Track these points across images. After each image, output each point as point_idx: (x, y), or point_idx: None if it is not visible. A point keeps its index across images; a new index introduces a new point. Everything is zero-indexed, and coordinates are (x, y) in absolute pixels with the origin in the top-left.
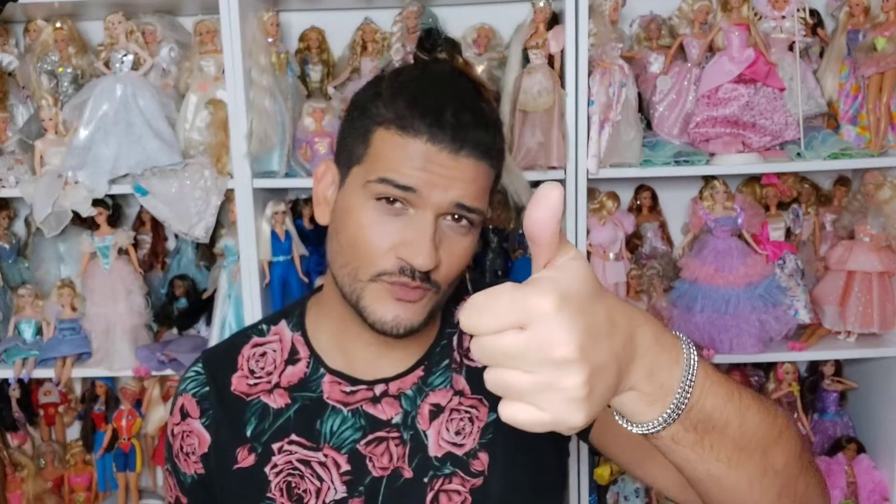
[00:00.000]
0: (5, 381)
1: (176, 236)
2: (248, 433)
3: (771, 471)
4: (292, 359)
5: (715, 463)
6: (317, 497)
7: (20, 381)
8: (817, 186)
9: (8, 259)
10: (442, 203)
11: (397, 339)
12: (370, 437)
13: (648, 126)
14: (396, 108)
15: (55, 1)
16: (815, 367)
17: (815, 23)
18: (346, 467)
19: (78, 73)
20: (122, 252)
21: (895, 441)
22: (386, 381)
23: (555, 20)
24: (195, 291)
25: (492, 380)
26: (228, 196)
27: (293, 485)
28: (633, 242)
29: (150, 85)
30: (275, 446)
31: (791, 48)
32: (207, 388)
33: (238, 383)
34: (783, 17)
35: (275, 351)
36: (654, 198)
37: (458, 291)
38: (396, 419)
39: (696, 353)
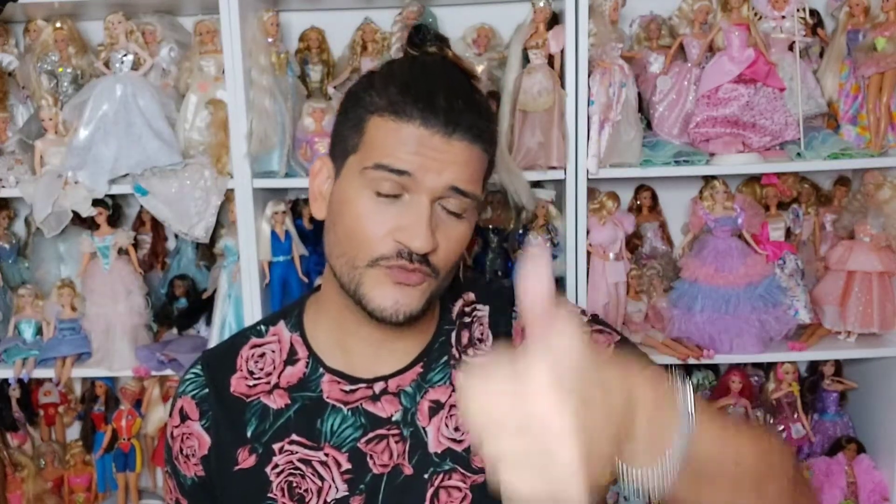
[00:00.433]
0: (5, 381)
1: (176, 236)
2: (249, 434)
3: (767, 500)
4: (291, 359)
5: (711, 501)
6: (318, 496)
7: (20, 381)
8: (817, 186)
9: (8, 259)
10: (436, 187)
11: (397, 326)
12: (370, 434)
13: (648, 126)
14: (389, 95)
15: (55, 1)
16: (815, 367)
17: (815, 23)
18: (346, 466)
19: (78, 73)
20: (122, 252)
21: (895, 441)
22: (385, 378)
23: (555, 20)
24: (195, 291)
25: (490, 452)
26: (228, 196)
27: (294, 484)
28: (633, 242)
29: (150, 85)
30: (275, 446)
31: (791, 48)
32: (207, 390)
33: (237, 384)
34: (783, 17)
35: (273, 351)
36: (654, 198)
37: (455, 287)
38: (396, 416)
39: (693, 408)
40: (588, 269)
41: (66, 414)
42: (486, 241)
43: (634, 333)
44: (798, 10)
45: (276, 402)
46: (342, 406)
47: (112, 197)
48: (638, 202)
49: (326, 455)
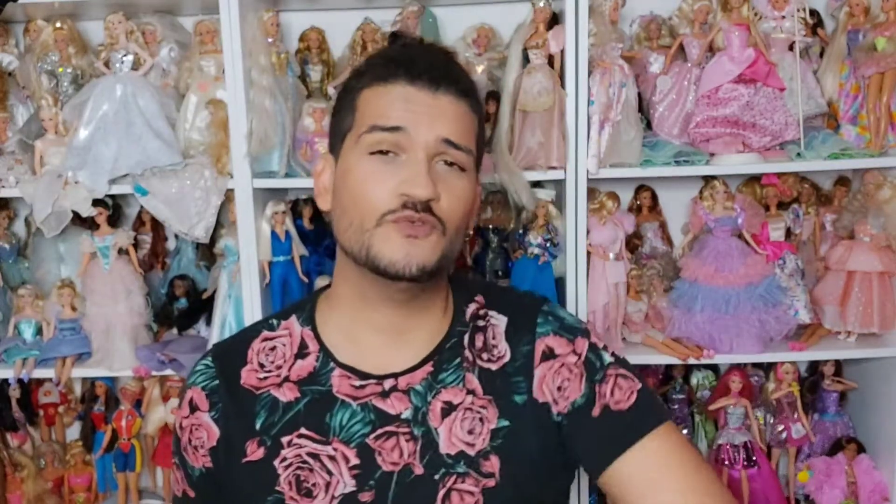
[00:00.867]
0: (5, 381)
1: (176, 236)
2: (258, 426)
3: None
4: (302, 353)
5: None
6: (326, 490)
7: (20, 381)
8: (817, 186)
9: (8, 259)
10: (429, 140)
11: (412, 282)
12: (379, 431)
13: (648, 126)
14: (374, 69)
15: (55, 1)
16: (815, 367)
17: (815, 23)
18: (354, 461)
19: (78, 73)
20: (122, 252)
21: (895, 441)
22: (395, 375)
23: (555, 20)
24: (195, 291)
25: None
26: (228, 196)
27: (302, 478)
28: (633, 242)
29: (150, 85)
30: (284, 440)
31: (791, 48)
32: (217, 382)
33: (248, 377)
34: (783, 17)
35: (284, 345)
36: (654, 198)
37: (469, 289)
38: (406, 414)
39: None
40: (588, 269)
41: (66, 414)
42: (486, 241)
43: (634, 333)
44: (798, 10)
45: (285, 395)
46: (351, 401)
47: (112, 197)
48: (638, 202)
49: (335, 450)
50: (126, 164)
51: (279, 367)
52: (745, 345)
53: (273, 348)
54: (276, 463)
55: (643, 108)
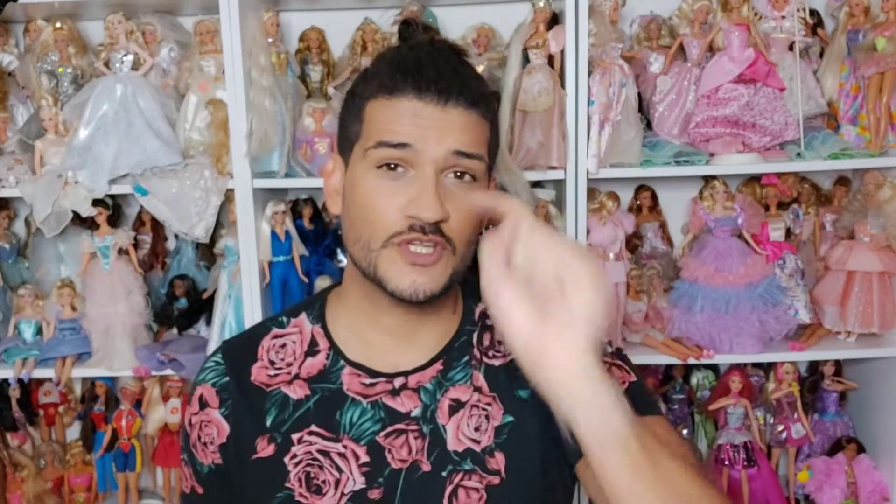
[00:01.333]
0: (5, 381)
1: (176, 236)
2: (268, 423)
3: None
4: (312, 350)
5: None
6: (335, 488)
7: (20, 381)
8: (817, 186)
9: (8, 259)
10: (438, 155)
11: (420, 306)
12: (389, 429)
13: (648, 126)
14: (381, 78)
15: (55, 1)
16: (815, 367)
17: (815, 23)
18: (364, 459)
19: (78, 73)
20: (122, 252)
21: (895, 441)
22: (405, 374)
23: (555, 20)
24: (195, 291)
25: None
26: (228, 196)
27: (312, 475)
28: (633, 242)
29: (150, 85)
30: (294, 437)
31: (791, 48)
32: (227, 379)
33: (258, 374)
34: (783, 17)
35: (294, 342)
36: (654, 198)
37: (479, 288)
38: (416, 412)
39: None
40: None
41: (66, 414)
42: None
43: (634, 333)
44: (798, 10)
45: (296, 392)
46: (361, 399)
47: (112, 197)
48: (638, 202)
49: (345, 447)
50: (126, 164)
51: (289, 365)
52: (745, 345)
53: (283, 345)
54: (286, 460)
55: (643, 108)
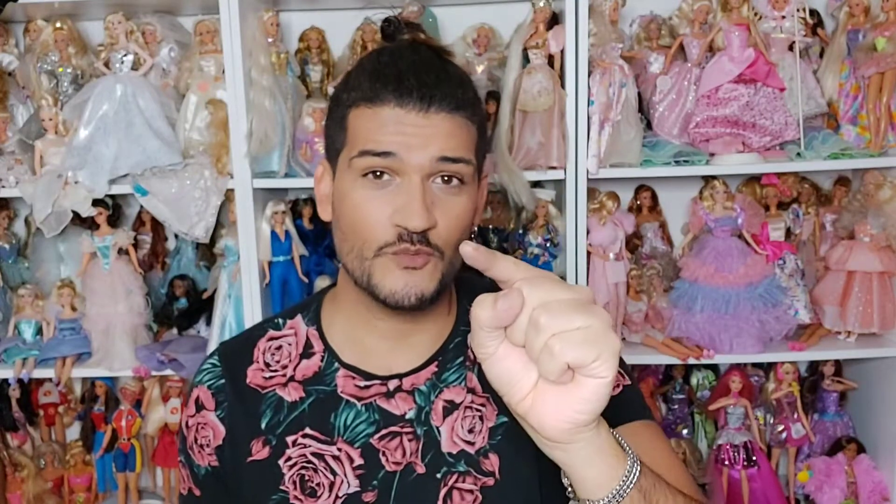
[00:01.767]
0: (5, 381)
1: (176, 236)
2: (263, 425)
3: None
4: (307, 352)
5: None
6: (330, 490)
7: (20, 381)
8: (817, 186)
9: (8, 259)
10: (423, 162)
11: (411, 312)
12: (384, 431)
13: (648, 126)
14: (362, 86)
15: (55, 1)
16: (815, 367)
17: (815, 23)
18: (359, 461)
19: (78, 73)
20: (122, 252)
21: (895, 441)
22: (400, 376)
23: (555, 20)
24: (195, 291)
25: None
26: (228, 196)
27: (307, 478)
28: (633, 242)
29: (150, 85)
30: (289, 439)
31: (791, 48)
32: (223, 381)
33: (254, 376)
34: (783, 17)
35: (290, 344)
36: (654, 198)
37: (474, 289)
38: (410, 414)
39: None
40: (588, 269)
41: (66, 414)
42: (486, 242)
43: (634, 333)
44: (798, 10)
45: (290, 394)
46: (356, 401)
47: (112, 197)
48: (638, 202)
49: (339, 450)
50: (126, 164)
51: (284, 367)
52: (744, 345)
53: (279, 347)
54: (280, 462)
55: (643, 108)
